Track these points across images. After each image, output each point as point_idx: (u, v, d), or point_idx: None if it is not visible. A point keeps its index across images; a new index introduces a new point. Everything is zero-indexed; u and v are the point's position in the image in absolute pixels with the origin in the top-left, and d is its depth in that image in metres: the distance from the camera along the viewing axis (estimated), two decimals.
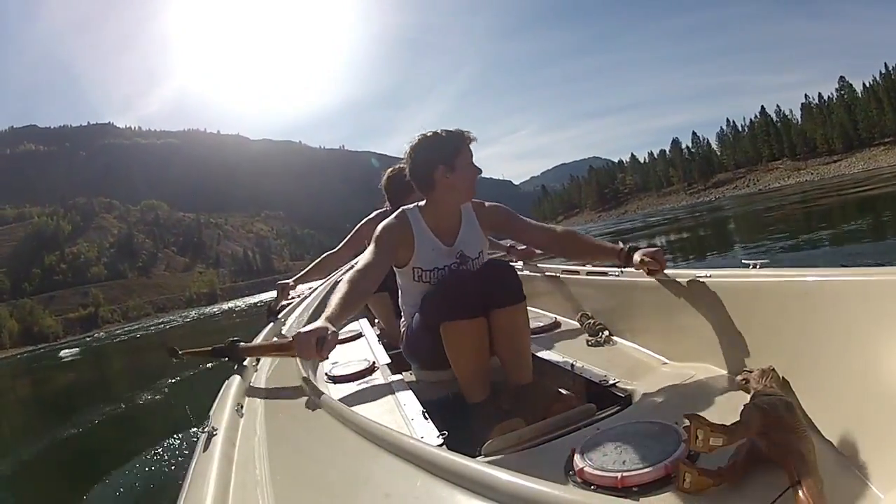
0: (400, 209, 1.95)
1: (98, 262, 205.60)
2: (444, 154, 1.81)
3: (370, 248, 1.86)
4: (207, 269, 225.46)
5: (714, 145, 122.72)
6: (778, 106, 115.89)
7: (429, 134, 1.85)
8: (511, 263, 2.15)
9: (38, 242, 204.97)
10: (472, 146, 1.86)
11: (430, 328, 1.75)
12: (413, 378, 2.06)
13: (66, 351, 45.28)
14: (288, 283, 3.16)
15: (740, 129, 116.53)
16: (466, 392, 1.75)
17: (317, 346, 1.54)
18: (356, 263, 1.92)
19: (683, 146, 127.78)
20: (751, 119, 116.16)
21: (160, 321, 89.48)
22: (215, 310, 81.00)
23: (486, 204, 2.04)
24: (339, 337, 2.21)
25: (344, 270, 3.30)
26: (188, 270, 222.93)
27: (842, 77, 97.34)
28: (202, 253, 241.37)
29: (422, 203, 1.94)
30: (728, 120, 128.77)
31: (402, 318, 2.04)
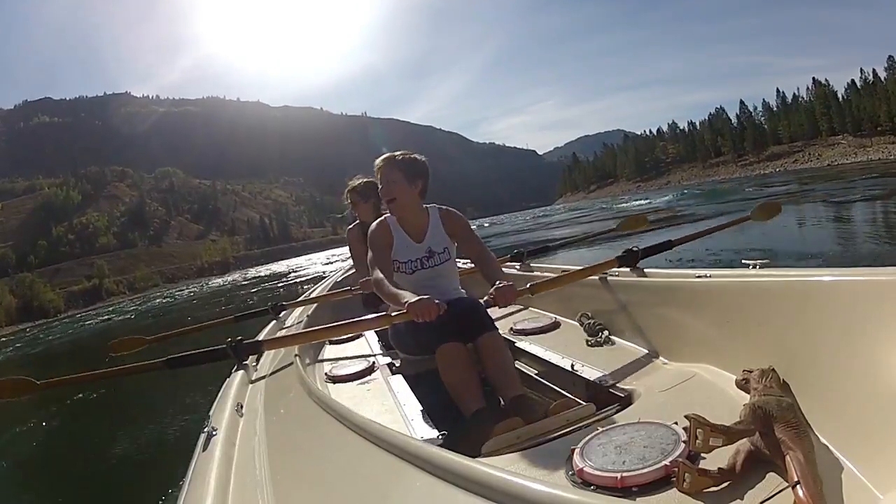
0: (382, 217, 2.42)
1: (107, 231, 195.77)
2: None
3: (370, 254, 2.31)
4: (222, 237, 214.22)
5: (755, 118, 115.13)
6: (826, 80, 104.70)
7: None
8: (481, 300, 2.33)
9: (47, 214, 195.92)
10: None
11: (421, 342, 2.09)
12: (399, 361, 2.26)
13: None
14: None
15: (789, 101, 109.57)
16: (463, 406, 1.85)
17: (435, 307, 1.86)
18: (375, 270, 2.22)
19: (733, 115, 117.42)
20: (796, 93, 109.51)
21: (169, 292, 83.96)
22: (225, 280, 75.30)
23: (451, 211, 2.42)
24: (340, 337, 2.92)
25: (344, 271, 3.83)
26: (202, 238, 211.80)
27: (890, 56, 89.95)
28: (217, 220, 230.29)
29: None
30: (778, 90, 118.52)
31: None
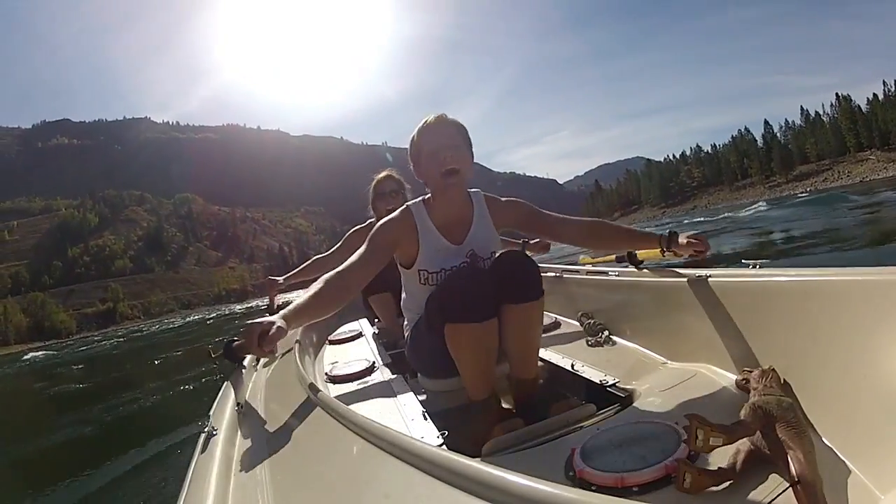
0: (404, 205, 1.80)
1: (124, 255, 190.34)
2: (413, 152, 1.74)
3: (360, 248, 1.69)
4: (240, 265, 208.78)
5: (779, 136, 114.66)
6: (848, 94, 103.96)
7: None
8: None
9: (62, 234, 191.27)
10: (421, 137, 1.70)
11: (435, 330, 1.60)
12: (419, 385, 1.93)
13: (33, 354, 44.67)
14: (277, 280, 3.05)
15: (812, 119, 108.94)
16: (469, 389, 1.65)
17: (259, 340, 1.36)
18: (342, 266, 1.68)
19: (758, 136, 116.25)
20: (819, 110, 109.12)
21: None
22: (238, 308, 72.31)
23: (503, 199, 1.88)
24: (340, 337, 2.79)
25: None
26: (220, 265, 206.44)
27: None
28: (236, 248, 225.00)
29: (426, 197, 1.79)
30: (802, 108, 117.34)
31: (406, 322, 1.91)
